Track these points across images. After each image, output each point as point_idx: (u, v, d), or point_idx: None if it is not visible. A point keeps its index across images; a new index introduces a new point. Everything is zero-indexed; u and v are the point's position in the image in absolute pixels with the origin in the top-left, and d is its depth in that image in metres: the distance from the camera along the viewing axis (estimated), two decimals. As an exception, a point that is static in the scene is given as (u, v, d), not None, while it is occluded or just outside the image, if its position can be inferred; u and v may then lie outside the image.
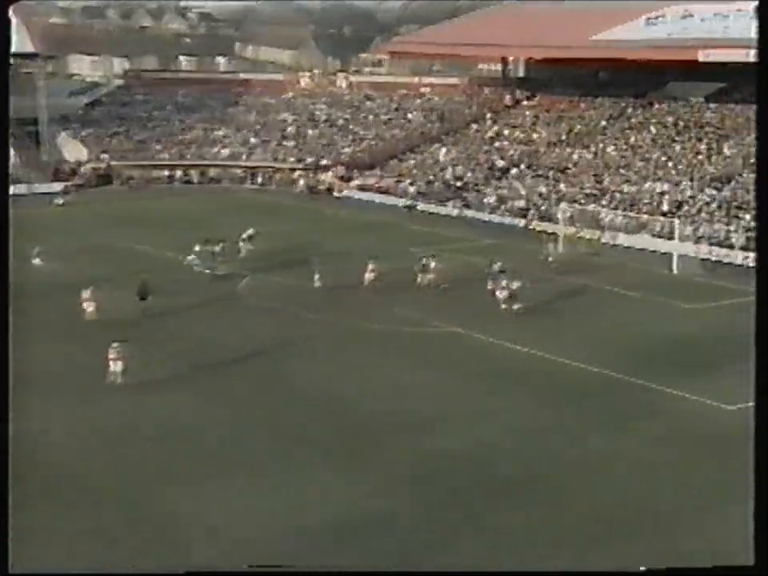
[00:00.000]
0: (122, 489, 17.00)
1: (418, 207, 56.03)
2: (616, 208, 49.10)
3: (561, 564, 14.58)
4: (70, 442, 19.47)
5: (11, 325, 9.83)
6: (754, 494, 9.33)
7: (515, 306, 30.80)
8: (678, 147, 53.93)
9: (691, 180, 50.31)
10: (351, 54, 77.90)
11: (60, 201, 54.03)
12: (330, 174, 63.34)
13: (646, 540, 15.93)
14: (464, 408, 22.47)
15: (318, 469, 18.64)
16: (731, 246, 43.26)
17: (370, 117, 70.97)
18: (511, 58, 69.77)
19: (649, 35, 55.11)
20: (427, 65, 76.39)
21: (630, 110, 60.15)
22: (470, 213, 53.67)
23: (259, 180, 65.22)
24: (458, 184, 57.74)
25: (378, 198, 58.72)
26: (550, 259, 40.21)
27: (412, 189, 58.23)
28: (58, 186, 59.46)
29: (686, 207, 48.06)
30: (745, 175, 48.76)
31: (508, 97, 67.87)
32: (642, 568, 9.53)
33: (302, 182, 63.39)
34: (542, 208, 51.71)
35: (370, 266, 34.20)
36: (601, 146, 57.30)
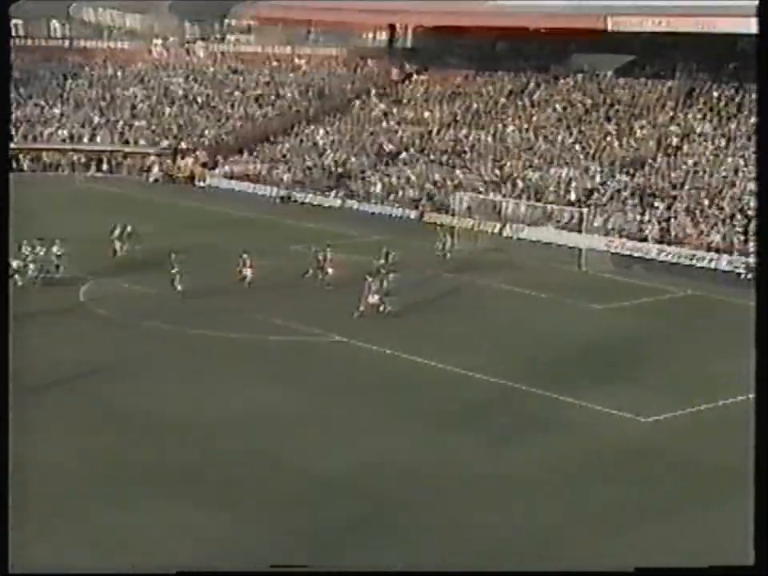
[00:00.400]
0: None
1: (295, 198, 55.74)
2: (519, 197, 49.88)
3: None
4: None
5: None
6: (754, 494, 10.01)
7: (381, 309, 31.14)
8: (585, 128, 55.26)
9: (601, 165, 51.61)
10: (213, 20, 76.55)
11: None
12: (190, 159, 62.34)
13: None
14: (334, 428, 22.17)
15: (163, 507, 18.03)
16: (645, 239, 44.55)
17: (237, 93, 70.01)
18: (399, 26, 70.16)
19: (552, 1, 56.30)
20: (303, 33, 76.02)
21: (531, 86, 61.32)
22: (354, 204, 53.64)
23: (105, 167, 63.47)
24: (340, 171, 57.62)
25: (247, 187, 58.25)
26: (447, 256, 40.49)
27: (287, 177, 57.87)
28: None
29: (595, 195, 49.22)
30: (659, 159, 50.37)
31: (396, 70, 68.17)
32: (641, 567, 10.26)
33: (156, 169, 62.12)
34: (436, 198, 52.07)
35: (246, 261, 34.12)
36: (500, 126, 58.13)
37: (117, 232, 38.19)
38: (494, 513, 18.40)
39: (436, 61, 66.44)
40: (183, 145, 63.96)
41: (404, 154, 58.19)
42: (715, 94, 53.65)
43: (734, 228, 42.93)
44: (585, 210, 45.46)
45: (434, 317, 32.13)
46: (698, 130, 51.65)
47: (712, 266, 41.31)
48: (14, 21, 72.04)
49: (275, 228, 46.94)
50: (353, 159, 58.67)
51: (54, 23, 75.09)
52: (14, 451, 19.40)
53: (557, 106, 58.29)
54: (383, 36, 72.73)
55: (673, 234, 44.26)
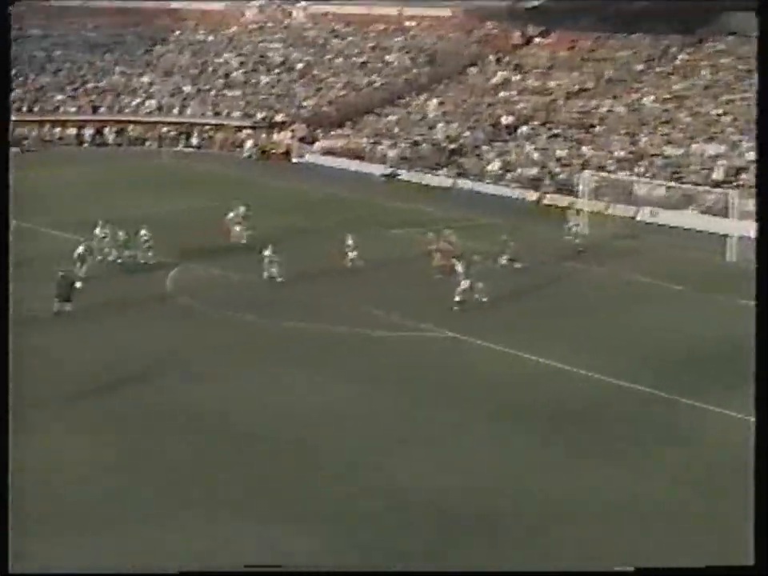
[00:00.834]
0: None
1: (400, 176, 55.77)
2: (655, 177, 48.86)
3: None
4: None
5: None
6: (754, 494, 10.65)
7: (477, 296, 31.03)
8: (735, 97, 53.71)
9: (753, 140, 50.08)
10: (314, -22, 77.26)
11: None
12: (286, 133, 63.01)
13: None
14: (444, 442, 21.98)
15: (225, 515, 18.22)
16: (804, 226, 43.01)
17: (339, 59, 70.50)
18: (522, -17, 69.46)
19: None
20: (413, -8, 76.02)
21: (673, 50, 59.96)
22: (466, 183, 53.37)
23: (194, 141, 64.71)
24: (452, 146, 57.40)
25: (348, 164, 58.46)
26: (574, 242, 39.97)
27: (392, 153, 57.95)
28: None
29: (745, 175, 47.76)
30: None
31: (517, 33, 67.56)
32: (641, 567, 10.98)
33: (249, 144, 63.01)
34: (560, 177, 51.42)
35: (350, 244, 34.58)
36: (636, 96, 57.04)
37: (232, 214, 38.70)
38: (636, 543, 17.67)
39: (563, 22, 65.54)
40: (279, 117, 64.73)
41: (524, 128, 57.62)
42: None
43: None
44: (732, 191, 44.10)
45: (557, 312, 31.65)
46: None
47: None
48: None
49: (377, 210, 47.00)
50: (466, 133, 58.38)
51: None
52: (71, 451, 20.53)
53: (702, 72, 56.85)
54: (503, -6, 72.09)
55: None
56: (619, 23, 63.01)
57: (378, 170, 56.74)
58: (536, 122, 57.77)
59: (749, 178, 47.40)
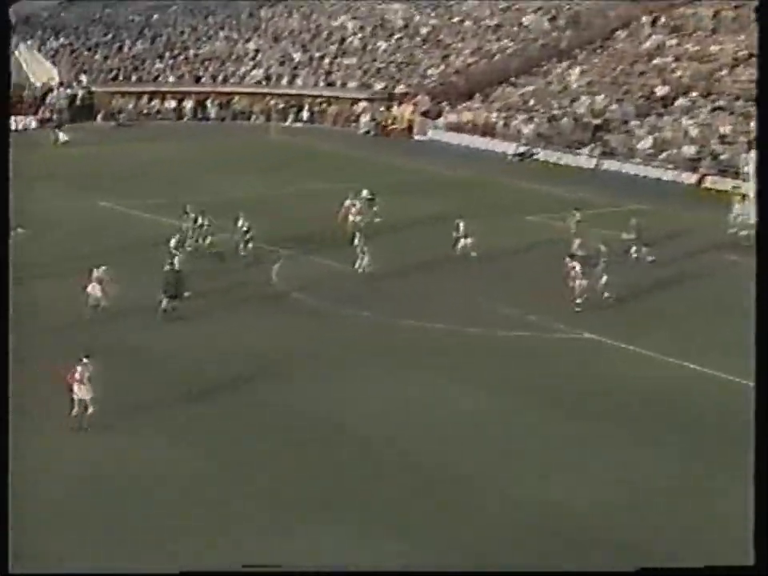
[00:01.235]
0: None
1: (536, 156, 55.34)
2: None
3: None
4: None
5: None
6: (754, 494, 12.06)
7: (605, 294, 30.60)
8: None
9: None
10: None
11: (63, 136, 55.06)
12: (408, 107, 63.10)
13: None
14: (573, 456, 21.75)
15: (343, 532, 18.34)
16: None
17: (468, 23, 70.23)
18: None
19: None
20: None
21: None
22: (612, 164, 52.65)
23: (305, 115, 65.32)
24: (597, 122, 56.63)
25: (477, 142, 58.45)
26: (735, 233, 38.96)
27: (528, 129, 57.51)
28: (16, 122, 60.34)
29: None
30: None
31: (675, -9, 66.32)
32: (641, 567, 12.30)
33: (367, 117, 63.30)
34: (723, 157, 50.26)
35: (461, 228, 34.67)
36: (816, 63, 55.21)
37: (348, 201, 38.74)
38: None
39: (729, -23, 64.03)
40: (400, 88, 64.79)
41: (682, 100, 56.47)
42: None
43: None
44: None
45: (709, 311, 30.94)
46: None
47: None
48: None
49: (508, 194, 46.72)
50: (614, 106, 57.49)
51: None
52: (172, 460, 20.90)
53: None
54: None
55: None
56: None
57: (510, 148, 56.45)
58: (695, 94, 56.56)
59: None
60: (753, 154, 45.87)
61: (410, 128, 62.01)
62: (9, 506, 13.28)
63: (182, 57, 69.32)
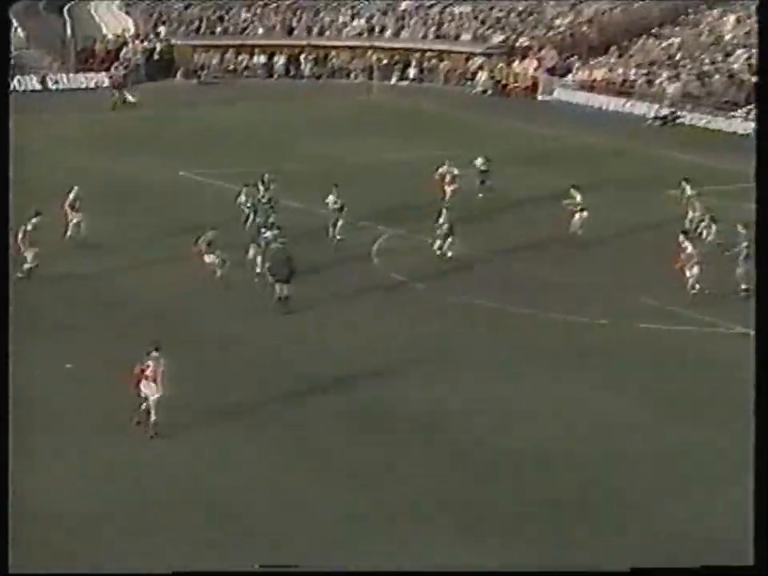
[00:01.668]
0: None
1: (681, 119, 54.45)
2: None
3: None
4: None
5: None
6: (753, 494, 13.31)
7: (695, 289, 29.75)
8: None
9: None
10: None
11: (131, 97, 55.71)
12: (531, 62, 62.56)
13: None
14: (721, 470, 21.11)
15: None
16: None
17: (603, -36, 69.24)
18: None
19: None
20: None
21: None
22: (772, 129, 51.29)
23: (412, 72, 65.06)
24: (755, 80, 55.28)
25: (611, 103, 58.05)
26: None
27: (672, 88, 56.58)
28: (87, 79, 61.21)
29: None
30: None
31: None
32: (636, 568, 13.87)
33: (483, 75, 62.87)
34: None
35: (577, 199, 34.30)
36: None
37: (444, 168, 38.26)
38: None
39: None
40: (523, 41, 64.18)
41: None
42: None
43: None
44: None
45: None
46: None
47: None
48: None
49: (647, 163, 46.03)
50: (775, 62, 56.03)
51: None
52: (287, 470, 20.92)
53: None
54: None
55: None
56: None
57: (651, 110, 55.81)
58: None
59: None
60: None
61: (533, 87, 61.56)
62: (9, 506, 14.14)
63: (272, 5, 69.46)
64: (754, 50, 57.08)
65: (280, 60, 65.98)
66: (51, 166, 43.10)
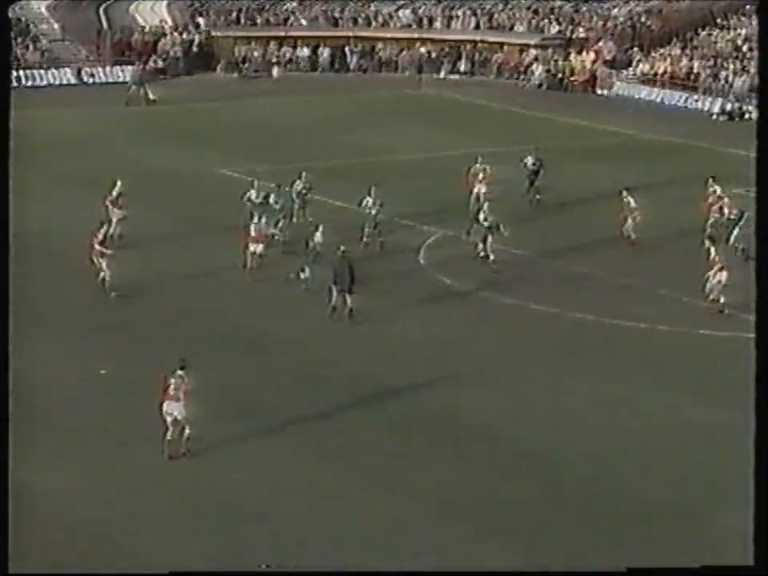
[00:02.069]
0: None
1: (749, 114, 53.96)
2: None
3: None
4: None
5: None
6: (753, 494, 13.98)
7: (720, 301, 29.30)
8: None
9: None
10: None
11: (148, 96, 56.08)
12: (589, 54, 62.35)
13: None
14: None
15: None
16: None
17: (666, -50, 68.90)
18: None
19: None
20: None
21: None
22: None
23: (463, 65, 64.95)
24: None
25: (674, 97, 57.92)
26: None
27: (739, 81, 56.30)
28: (123, 72, 61.47)
29: None
30: None
31: None
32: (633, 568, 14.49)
33: (539, 68, 62.69)
34: None
35: (631, 203, 34.22)
36: None
37: (477, 165, 38.17)
38: None
39: None
40: (580, 32, 63.96)
41: None
42: None
43: None
44: None
45: None
46: None
47: None
48: None
49: (712, 160, 45.65)
50: None
51: None
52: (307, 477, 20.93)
53: None
54: None
55: None
56: None
57: (716, 105, 55.75)
58: None
59: None
60: None
61: (591, 80, 61.34)
62: (9, 506, 14.49)
63: (315, -4, 69.62)
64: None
65: (325, 52, 65.96)
66: (90, 160, 43.48)
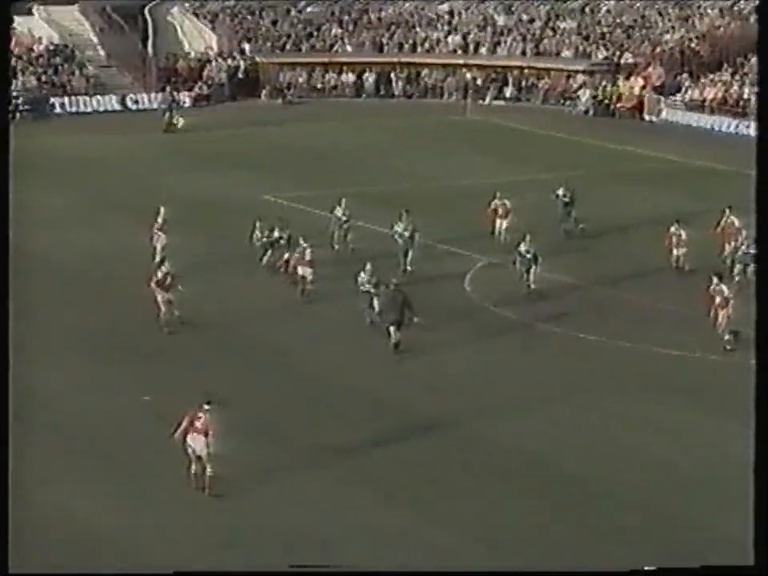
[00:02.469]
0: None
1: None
2: None
3: None
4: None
5: None
6: (753, 495, 14.35)
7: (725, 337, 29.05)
8: None
9: None
10: None
11: (177, 119, 56.23)
12: (637, 80, 62.24)
13: None
14: None
15: None
16: None
17: (716, -26, 68.73)
18: None
19: None
20: None
21: None
22: None
23: (510, 91, 64.98)
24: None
25: (725, 123, 57.69)
26: None
27: (790, 107, 55.76)
28: (167, 98, 61.97)
29: None
30: None
31: None
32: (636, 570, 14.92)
33: (586, 93, 62.61)
34: None
35: (677, 232, 34.19)
36: None
37: (495, 201, 38.00)
38: None
39: None
40: (627, 58, 63.84)
41: None
42: None
43: None
44: None
45: None
46: None
47: None
48: None
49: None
50: None
51: None
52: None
53: None
54: None
55: None
56: None
57: None
58: None
59: None
60: None
61: (639, 106, 61.19)
62: (9, 506, 14.95)
63: (362, 21, 69.81)
64: None
65: (370, 78, 66.20)
66: (133, 185, 43.85)
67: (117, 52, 64.90)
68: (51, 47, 63.52)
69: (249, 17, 69.90)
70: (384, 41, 68.45)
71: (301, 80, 66.02)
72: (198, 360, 27.79)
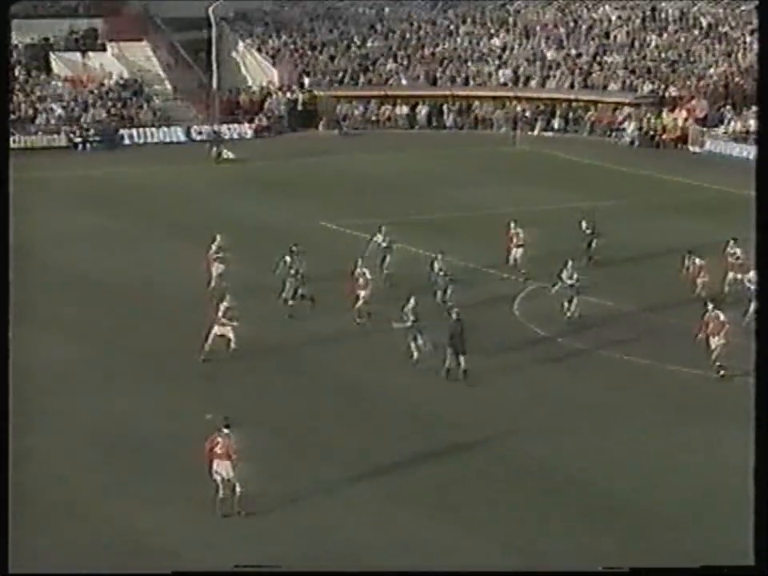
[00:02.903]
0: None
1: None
2: None
3: None
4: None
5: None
6: (754, 495, 14.25)
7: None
8: None
9: None
10: None
11: (226, 153, 56.64)
12: (682, 112, 62.08)
13: None
14: None
15: None
16: None
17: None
18: None
19: None
20: None
21: None
22: None
23: (557, 123, 65.00)
24: None
25: None
26: None
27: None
28: (230, 130, 62.48)
29: None
30: None
31: None
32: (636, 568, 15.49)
33: (632, 125, 62.54)
34: None
35: (696, 262, 34.26)
36: None
37: (511, 230, 38.03)
38: None
39: None
40: (673, 91, 63.70)
41: None
42: None
43: None
44: None
45: None
46: None
47: None
48: None
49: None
50: None
51: None
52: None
53: None
54: None
55: None
56: None
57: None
58: None
59: None
60: None
61: (683, 138, 61.02)
62: (9, 506, 15.16)
63: (417, 55, 70.07)
64: None
65: (423, 110, 66.42)
66: (196, 212, 44.27)
67: (182, 86, 65.68)
68: (121, 81, 64.39)
69: (309, 52, 70.30)
70: (437, 74, 68.67)
71: (357, 112, 66.34)
72: (258, 382, 28.12)
